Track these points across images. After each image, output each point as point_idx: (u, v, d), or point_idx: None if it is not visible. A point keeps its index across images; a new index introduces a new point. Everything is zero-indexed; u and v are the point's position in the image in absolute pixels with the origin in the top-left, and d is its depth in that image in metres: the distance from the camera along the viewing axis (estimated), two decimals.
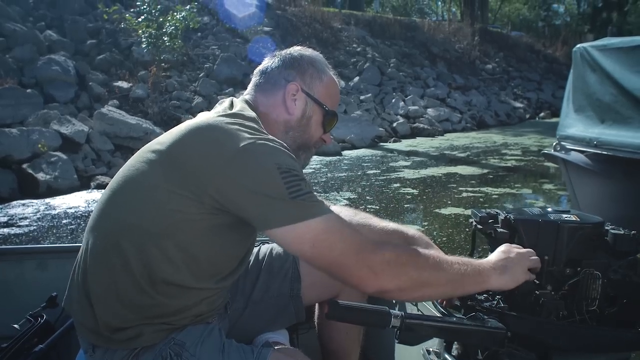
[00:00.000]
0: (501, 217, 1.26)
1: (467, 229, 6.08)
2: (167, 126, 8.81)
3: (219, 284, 1.38)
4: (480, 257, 1.37)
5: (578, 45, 4.51)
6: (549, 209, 1.28)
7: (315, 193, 1.25)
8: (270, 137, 1.28)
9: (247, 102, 1.45)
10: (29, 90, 9.70)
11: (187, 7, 13.48)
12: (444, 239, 5.81)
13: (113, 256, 1.29)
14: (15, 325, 1.61)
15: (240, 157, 1.20)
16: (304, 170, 1.36)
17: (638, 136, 3.74)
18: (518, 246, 1.25)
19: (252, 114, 1.37)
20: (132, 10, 13.14)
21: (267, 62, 1.51)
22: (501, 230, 1.22)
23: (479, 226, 1.28)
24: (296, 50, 1.52)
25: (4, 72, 9.97)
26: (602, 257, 1.19)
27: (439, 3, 47.57)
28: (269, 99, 1.46)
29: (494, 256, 1.26)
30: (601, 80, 4.24)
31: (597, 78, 4.29)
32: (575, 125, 4.39)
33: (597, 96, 4.28)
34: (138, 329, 1.31)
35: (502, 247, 1.26)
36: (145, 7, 12.19)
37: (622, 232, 1.20)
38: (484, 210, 1.31)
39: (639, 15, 39.80)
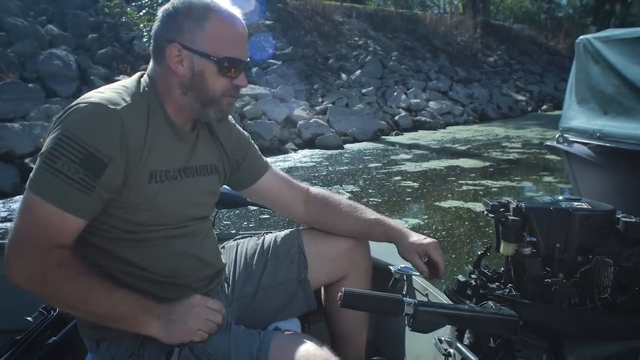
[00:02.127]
0: (512, 205, 1.26)
1: (467, 223, 6.16)
2: None
3: (166, 231, 1.39)
4: (489, 248, 1.37)
5: (581, 37, 4.49)
6: (560, 197, 1.29)
7: (71, 180, 1.19)
8: (118, 106, 1.26)
9: (147, 75, 1.42)
10: (30, 85, 9.69)
11: None
12: (444, 232, 5.81)
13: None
14: (29, 318, 1.62)
15: (66, 112, 1.25)
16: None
17: None
18: (208, 302, 1.26)
19: (133, 83, 1.38)
20: (133, 4, 13.10)
21: (154, 23, 1.42)
22: (513, 218, 1.22)
23: (490, 215, 1.29)
24: (173, 2, 1.37)
25: (5, 66, 9.96)
26: (613, 245, 1.20)
27: None
28: (159, 64, 1.39)
29: (172, 306, 1.26)
30: (604, 72, 4.23)
31: (600, 70, 4.28)
32: (578, 117, 4.38)
33: (600, 88, 4.27)
34: None
35: (189, 300, 1.27)
36: (146, 1, 12.16)
37: (633, 220, 1.20)
38: (495, 199, 1.31)
39: None
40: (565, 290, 1.18)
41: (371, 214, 1.74)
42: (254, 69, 14.20)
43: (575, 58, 4.48)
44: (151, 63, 1.42)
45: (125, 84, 1.37)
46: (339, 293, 1.10)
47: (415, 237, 1.66)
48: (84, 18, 13.14)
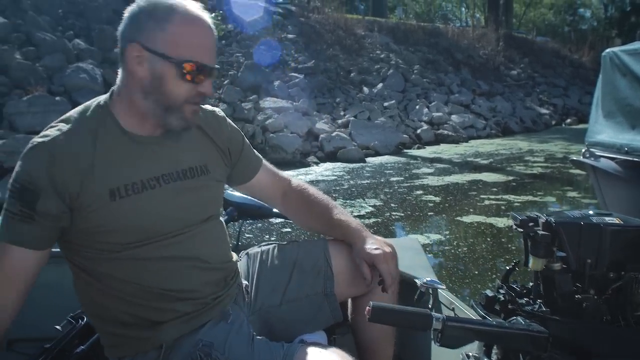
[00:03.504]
0: (542, 220, 1.25)
1: (489, 238, 6.09)
2: None
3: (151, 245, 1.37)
4: (517, 263, 1.36)
5: (607, 50, 4.45)
6: (590, 212, 1.27)
7: (13, 214, 1.26)
8: (47, 138, 1.30)
9: (115, 85, 1.42)
10: (57, 98, 9.85)
11: (212, 14, 13.60)
12: (465, 248, 5.75)
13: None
14: (58, 327, 1.64)
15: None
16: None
17: None
18: None
19: (82, 107, 1.39)
20: None
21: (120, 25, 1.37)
22: (542, 232, 1.21)
23: (519, 229, 1.27)
24: (137, 2, 1.33)
25: (34, 80, 10.16)
26: None
27: (463, 9, 47.42)
28: (122, 68, 1.36)
29: None
30: (631, 85, 4.17)
31: (627, 83, 4.23)
32: (604, 131, 4.33)
33: (627, 101, 4.22)
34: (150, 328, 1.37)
35: None
36: None
37: None
38: (524, 213, 1.30)
39: None
40: (597, 307, 1.16)
41: (337, 213, 1.72)
42: (276, 82, 14.29)
43: (601, 71, 4.44)
44: (119, 71, 1.39)
45: (73, 110, 1.39)
46: (367, 307, 1.09)
47: (368, 244, 1.62)
48: (109, 32, 13.32)
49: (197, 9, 1.33)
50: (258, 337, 1.45)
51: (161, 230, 1.36)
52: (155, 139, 1.41)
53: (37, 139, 1.30)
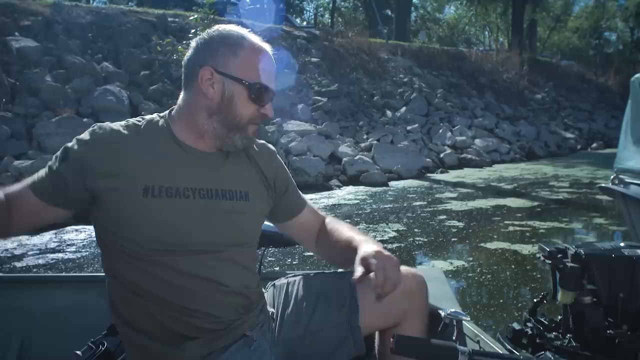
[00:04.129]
0: (571, 252, 1.21)
1: (514, 266, 5.98)
2: None
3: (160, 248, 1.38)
4: (545, 295, 1.32)
5: (637, 75, 4.40)
6: (622, 244, 1.23)
7: (48, 164, 1.38)
8: (103, 123, 1.42)
9: (176, 105, 1.51)
10: (85, 120, 10.04)
11: None
12: (489, 276, 5.64)
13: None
14: (78, 352, 1.64)
15: None
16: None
17: None
18: None
19: (147, 116, 1.50)
20: (184, 42, 13.54)
21: (187, 53, 1.50)
22: (572, 265, 1.17)
23: (547, 261, 1.24)
24: (209, 31, 1.46)
25: (63, 102, 10.39)
26: None
27: (486, 33, 47.47)
28: (189, 91, 1.46)
29: None
30: None
31: None
32: (634, 157, 4.26)
33: None
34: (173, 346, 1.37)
35: None
36: None
37: None
38: (552, 244, 1.27)
39: None
40: (631, 343, 1.12)
41: (348, 232, 1.63)
42: (300, 106, 14.38)
43: (630, 97, 4.38)
44: (181, 93, 1.49)
45: (139, 118, 1.50)
46: (391, 338, 1.07)
47: (367, 247, 1.47)
48: (137, 56, 13.63)
49: (261, 40, 1.47)
50: None
51: (185, 243, 1.37)
52: (204, 154, 1.47)
53: (95, 124, 1.43)
